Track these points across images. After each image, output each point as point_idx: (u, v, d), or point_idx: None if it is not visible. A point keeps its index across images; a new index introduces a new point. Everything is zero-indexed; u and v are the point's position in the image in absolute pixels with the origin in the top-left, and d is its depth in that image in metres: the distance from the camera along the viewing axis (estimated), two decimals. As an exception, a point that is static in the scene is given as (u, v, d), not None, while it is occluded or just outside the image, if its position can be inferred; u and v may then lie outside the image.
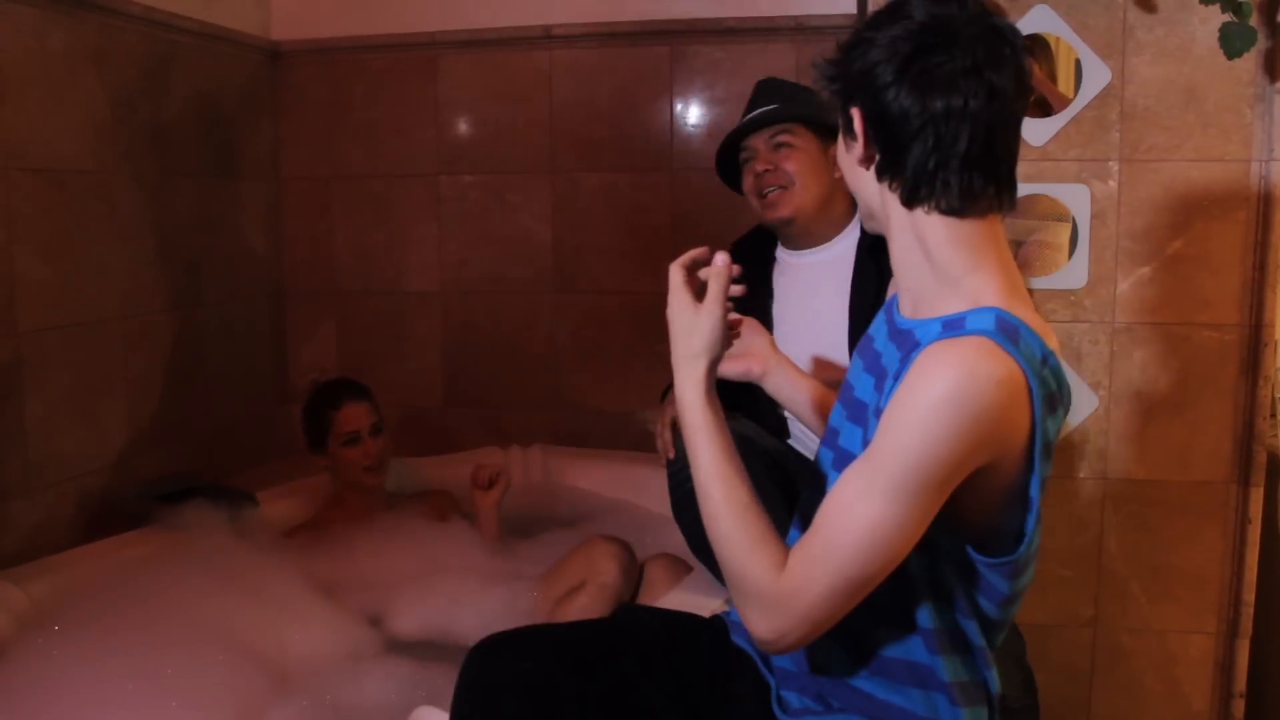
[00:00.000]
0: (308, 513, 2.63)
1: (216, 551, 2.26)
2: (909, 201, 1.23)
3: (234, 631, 1.99)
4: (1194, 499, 2.31)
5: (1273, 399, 2.30)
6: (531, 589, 2.25)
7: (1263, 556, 2.30)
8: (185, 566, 2.16)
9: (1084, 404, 2.31)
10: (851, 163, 1.29)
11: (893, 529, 1.13)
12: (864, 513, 1.14)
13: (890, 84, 1.19)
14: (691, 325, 1.29)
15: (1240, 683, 2.33)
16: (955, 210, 1.21)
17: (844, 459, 1.28)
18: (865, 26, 1.24)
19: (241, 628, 2.01)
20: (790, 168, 2.14)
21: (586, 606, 2.15)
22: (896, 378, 1.19)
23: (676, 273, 1.31)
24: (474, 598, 2.23)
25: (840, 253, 2.19)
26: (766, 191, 2.16)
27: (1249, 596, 2.29)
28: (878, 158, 1.24)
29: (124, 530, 2.37)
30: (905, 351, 1.22)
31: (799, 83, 2.29)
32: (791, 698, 1.37)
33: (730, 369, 1.61)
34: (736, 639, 1.46)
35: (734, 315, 1.43)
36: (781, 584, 1.17)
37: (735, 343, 1.60)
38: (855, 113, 1.24)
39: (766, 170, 2.15)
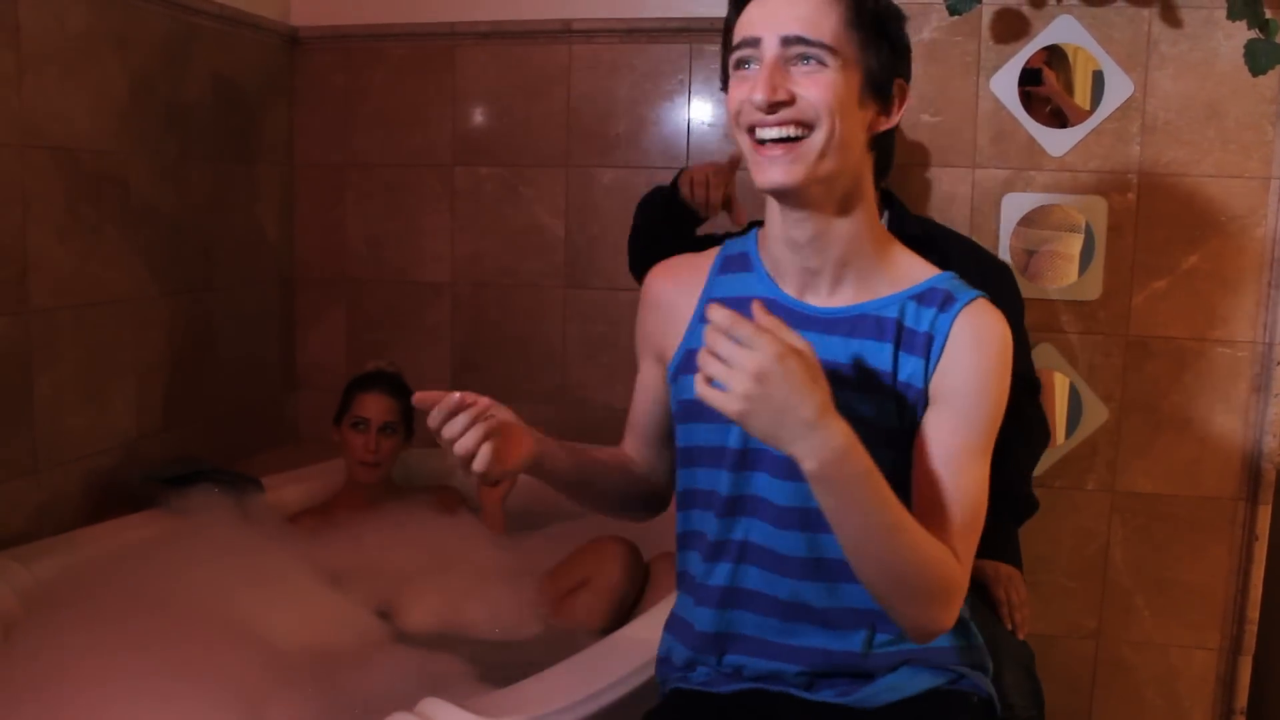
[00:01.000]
0: (313, 499, 2.63)
1: (221, 536, 2.26)
2: (885, 173, 1.32)
3: (238, 616, 1.99)
4: (1201, 514, 2.31)
5: (1284, 417, 2.30)
6: (536, 584, 2.25)
7: (1268, 574, 2.30)
8: (190, 550, 2.16)
9: (1093, 415, 2.31)
10: (858, 122, 1.23)
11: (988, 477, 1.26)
12: (978, 476, 1.24)
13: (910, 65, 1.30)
14: (813, 371, 1.10)
15: (1241, 699, 2.33)
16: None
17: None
18: (899, 7, 1.27)
19: (245, 612, 2.01)
20: None
21: (589, 604, 2.15)
22: (929, 355, 1.24)
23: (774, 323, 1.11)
24: (479, 590, 2.23)
25: None
26: None
27: (1253, 613, 2.29)
28: (887, 132, 1.28)
29: (129, 512, 2.37)
30: (888, 337, 1.26)
31: None
32: (826, 694, 1.35)
33: (516, 462, 1.31)
34: (725, 688, 1.38)
35: (473, 400, 1.27)
36: (961, 569, 1.22)
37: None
38: (904, 87, 1.27)
39: None
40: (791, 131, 1.19)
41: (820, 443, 1.09)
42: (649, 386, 1.50)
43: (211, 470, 2.52)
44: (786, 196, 1.25)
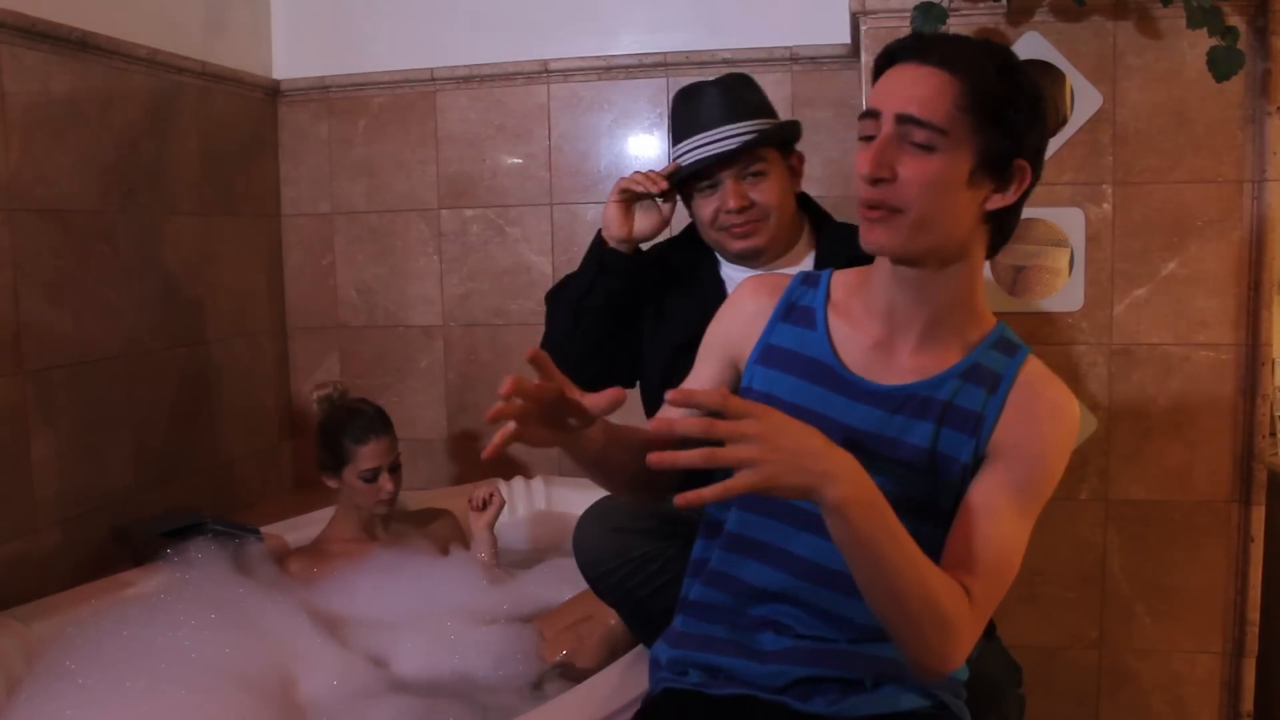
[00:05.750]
0: (304, 544, 2.61)
1: (220, 587, 2.26)
2: (994, 252, 1.35)
3: (236, 668, 1.99)
4: (1196, 519, 2.32)
5: (1271, 417, 2.31)
6: (532, 627, 2.25)
7: (1266, 575, 2.30)
8: (189, 602, 2.16)
9: (1083, 426, 2.32)
10: (965, 201, 1.28)
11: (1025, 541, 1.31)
12: (1022, 534, 1.29)
13: (1044, 154, 1.34)
14: (797, 419, 1.17)
15: (1247, 702, 2.33)
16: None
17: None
18: (1028, 78, 1.29)
19: (243, 664, 2.01)
20: (764, 199, 1.97)
21: (583, 634, 2.13)
22: (978, 433, 1.32)
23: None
24: (472, 636, 2.21)
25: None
26: (734, 227, 1.98)
27: (1254, 615, 2.29)
28: (1003, 210, 1.30)
29: (129, 567, 2.38)
30: (931, 416, 1.33)
31: (747, 81, 2.09)
32: (817, 704, 1.38)
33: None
34: (715, 690, 1.41)
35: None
36: (973, 610, 1.23)
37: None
38: (1023, 167, 1.28)
39: (741, 207, 1.96)
40: (882, 207, 1.27)
41: (836, 468, 1.14)
42: (705, 380, 1.50)
43: (210, 521, 2.53)
44: (888, 256, 1.32)
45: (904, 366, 1.35)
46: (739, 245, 2.00)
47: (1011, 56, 1.29)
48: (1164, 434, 2.31)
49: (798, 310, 1.43)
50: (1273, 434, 2.35)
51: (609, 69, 3.04)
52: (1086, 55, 2.25)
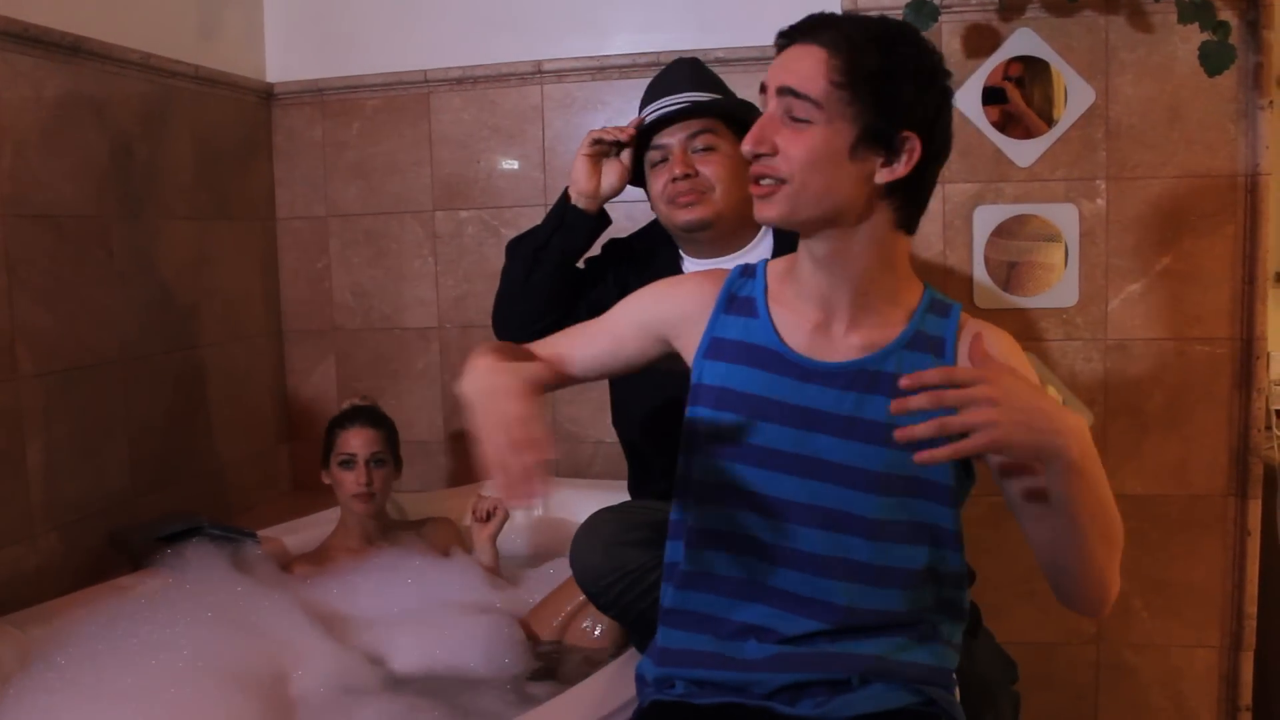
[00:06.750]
0: (309, 547, 2.62)
1: (218, 591, 2.25)
2: (908, 225, 1.36)
3: (234, 672, 1.98)
4: (1193, 513, 2.32)
5: (1267, 411, 2.31)
6: (530, 617, 2.25)
7: (1263, 569, 2.30)
8: (187, 606, 2.15)
9: (1080, 421, 2.33)
10: (850, 173, 1.30)
11: None
12: None
13: (947, 124, 1.34)
14: (1024, 375, 1.23)
15: (1246, 696, 2.33)
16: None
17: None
18: (916, 50, 1.31)
19: (241, 668, 2.00)
20: (709, 172, 2.00)
21: (598, 616, 2.13)
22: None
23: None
24: (470, 634, 2.21)
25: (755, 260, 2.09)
26: (679, 197, 2.00)
27: (1251, 609, 2.30)
28: (903, 182, 1.31)
29: (126, 571, 2.38)
30: (883, 389, 1.34)
31: (714, 72, 2.17)
32: (805, 706, 1.37)
33: None
34: (702, 700, 1.42)
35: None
36: None
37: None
38: (911, 138, 1.29)
39: (685, 174, 1.99)
40: (768, 179, 1.31)
41: (1067, 428, 1.16)
42: (623, 338, 1.51)
43: (207, 525, 2.52)
44: (782, 227, 1.36)
45: (846, 344, 1.38)
46: (683, 216, 2.01)
47: (900, 32, 1.32)
48: (1160, 429, 2.31)
49: (739, 301, 1.46)
50: (1268, 428, 2.36)
51: (602, 69, 3.04)
52: (1078, 51, 2.26)
